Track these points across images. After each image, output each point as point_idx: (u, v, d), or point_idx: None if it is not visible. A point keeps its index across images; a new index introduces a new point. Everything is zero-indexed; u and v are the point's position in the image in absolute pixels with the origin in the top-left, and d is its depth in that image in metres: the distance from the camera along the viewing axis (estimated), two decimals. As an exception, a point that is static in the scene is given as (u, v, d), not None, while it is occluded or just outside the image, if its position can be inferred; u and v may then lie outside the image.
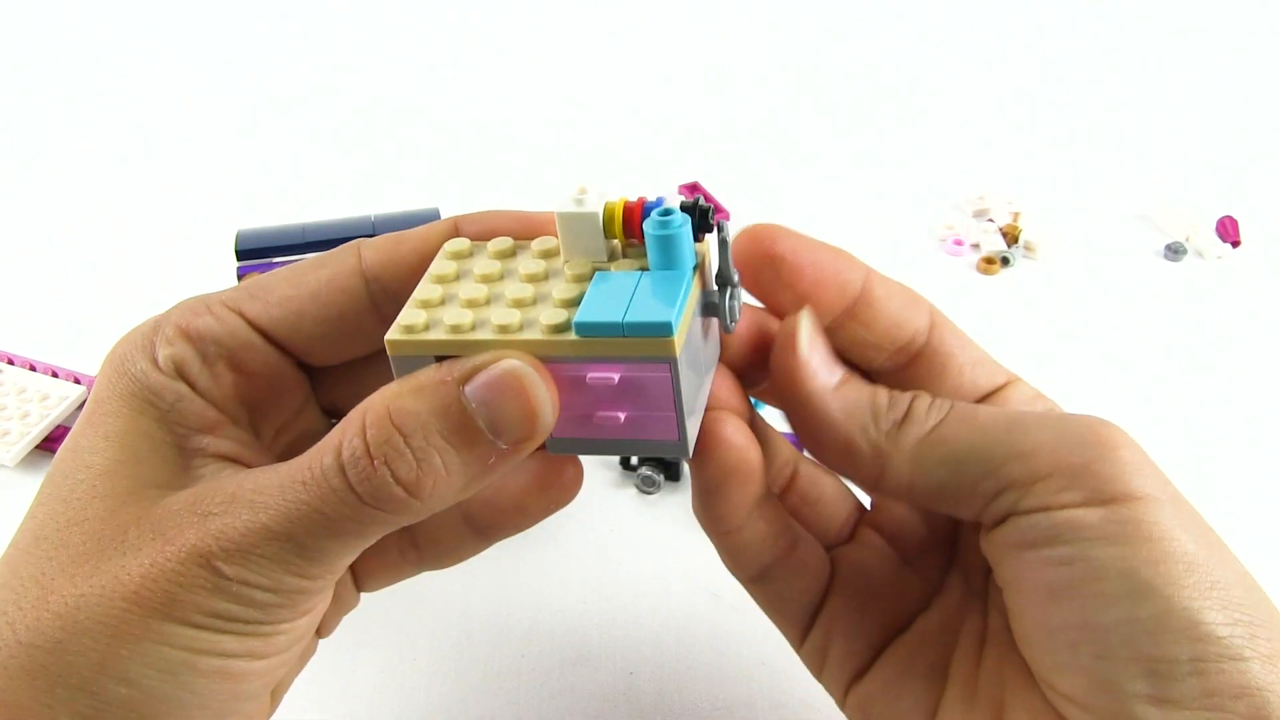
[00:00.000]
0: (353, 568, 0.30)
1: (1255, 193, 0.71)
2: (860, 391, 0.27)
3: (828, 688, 0.30)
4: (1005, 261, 0.63)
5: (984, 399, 0.28)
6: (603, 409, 0.24)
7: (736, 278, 0.25)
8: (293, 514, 0.23)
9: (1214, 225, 0.66)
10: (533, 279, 0.26)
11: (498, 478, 0.24)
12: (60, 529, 0.24)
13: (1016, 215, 0.66)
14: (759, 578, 0.30)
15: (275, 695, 0.27)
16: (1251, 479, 0.49)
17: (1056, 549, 0.23)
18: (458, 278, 0.26)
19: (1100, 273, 0.63)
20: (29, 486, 0.47)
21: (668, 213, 0.24)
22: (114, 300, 0.58)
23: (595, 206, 0.25)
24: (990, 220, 0.66)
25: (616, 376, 0.24)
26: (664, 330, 0.23)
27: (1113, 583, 0.22)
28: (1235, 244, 0.65)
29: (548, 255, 0.27)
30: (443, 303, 0.25)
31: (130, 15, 0.92)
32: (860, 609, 0.30)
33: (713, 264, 0.26)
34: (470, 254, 0.27)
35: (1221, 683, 0.21)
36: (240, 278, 0.47)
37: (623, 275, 0.25)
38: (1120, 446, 0.24)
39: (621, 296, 0.24)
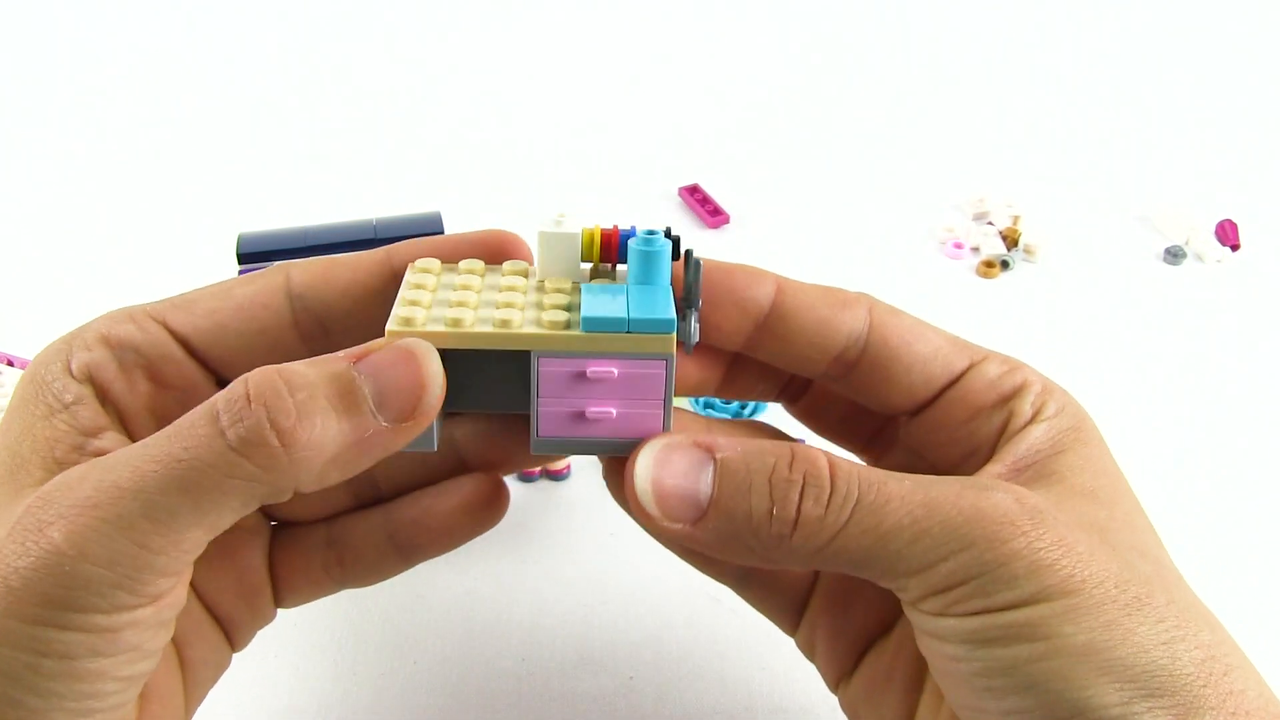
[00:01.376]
0: (273, 580, 0.30)
1: (1255, 196, 0.71)
2: (735, 504, 0.24)
3: (825, 682, 0.31)
4: (1005, 265, 0.63)
5: (942, 391, 0.28)
6: (596, 404, 0.26)
7: (699, 302, 0.27)
8: (145, 466, 0.22)
9: (1213, 229, 0.66)
10: (515, 289, 0.27)
11: (370, 461, 0.24)
12: None
13: (1016, 218, 0.66)
14: (739, 582, 0.31)
15: (162, 702, 0.27)
16: (1250, 482, 0.49)
17: (948, 646, 0.24)
18: (437, 289, 0.27)
19: (1100, 276, 0.63)
20: (30, 488, 0.47)
21: (652, 233, 0.27)
22: (115, 302, 0.58)
23: (574, 229, 0.28)
24: (990, 223, 0.66)
25: (616, 370, 0.25)
26: (667, 327, 0.25)
27: (1001, 679, 0.23)
28: (1235, 247, 0.65)
29: (521, 274, 0.28)
30: (431, 306, 0.26)
31: (133, 18, 0.91)
32: (841, 612, 0.30)
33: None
34: (441, 272, 0.28)
35: None
36: (241, 280, 0.47)
37: (609, 287, 0.27)
38: (1015, 536, 0.23)
39: (617, 301, 0.26)
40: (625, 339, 0.25)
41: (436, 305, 0.26)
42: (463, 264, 0.29)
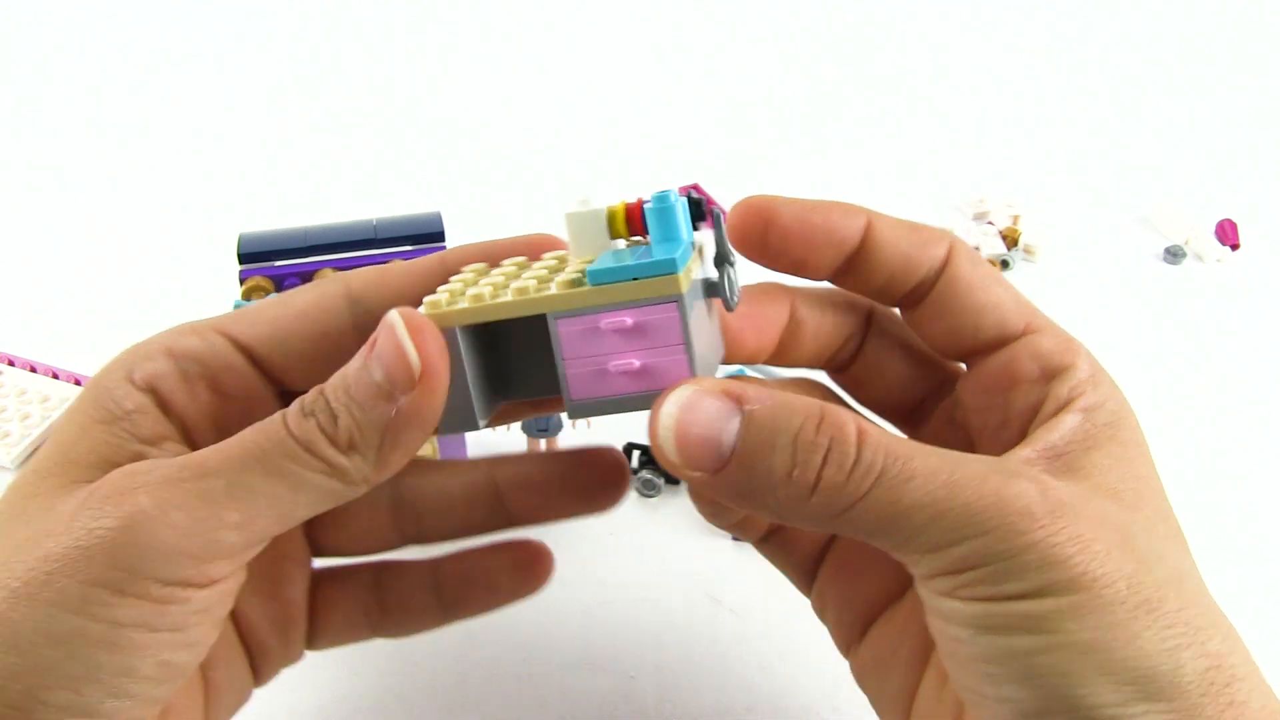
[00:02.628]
0: (310, 618, 0.31)
1: (1255, 196, 0.71)
2: (757, 459, 0.24)
3: (836, 646, 0.32)
4: (1005, 264, 0.63)
5: (992, 350, 0.28)
6: (618, 358, 0.26)
7: (734, 256, 0.27)
8: (229, 450, 0.24)
9: (1213, 228, 0.66)
10: (545, 269, 0.28)
11: (421, 435, 0.25)
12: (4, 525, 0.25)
13: (1016, 218, 0.66)
14: (762, 540, 0.32)
15: (257, 670, 0.29)
16: (1251, 482, 0.49)
17: (952, 628, 0.24)
18: (475, 281, 0.28)
19: (1099, 276, 0.63)
20: (30, 489, 0.47)
21: (664, 193, 0.27)
22: (115, 302, 0.58)
23: (599, 205, 0.27)
24: (990, 223, 0.66)
25: (630, 320, 0.25)
26: (669, 267, 0.25)
27: (1000, 666, 0.23)
28: (1235, 247, 0.65)
29: (556, 260, 0.28)
30: (464, 291, 0.27)
31: (133, 18, 0.91)
32: (851, 579, 0.31)
33: (710, 249, 0.28)
34: (485, 270, 0.29)
35: None
36: (242, 280, 0.47)
37: (632, 249, 0.27)
38: (1027, 531, 0.23)
39: (630, 256, 0.26)
40: (631, 287, 0.25)
41: (469, 289, 0.27)
42: (506, 260, 0.29)
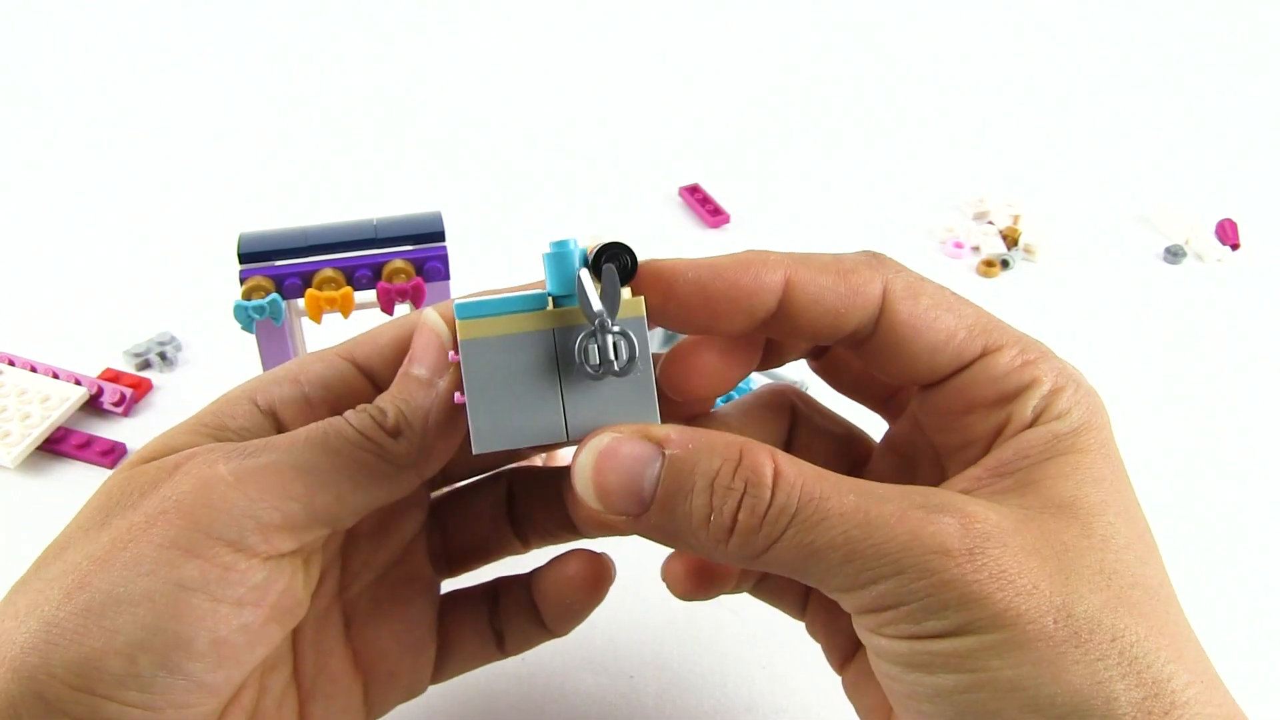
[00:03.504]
0: (439, 651, 0.32)
1: (1255, 196, 0.71)
2: (675, 504, 0.24)
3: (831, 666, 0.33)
4: (1005, 264, 0.63)
5: (949, 377, 0.27)
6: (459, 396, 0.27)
7: (610, 322, 0.25)
8: (298, 435, 0.26)
9: (1213, 228, 0.66)
10: None
11: (453, 428, 0.27)
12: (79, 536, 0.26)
13: (1016, 218, 0.66)
14: (753, 587, 0.33)
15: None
16: (1250, 481, 0.49)
17: (883, 664, 0.24)
18: None
19: (1100, 275, 0.63)
20: (30, 488, 0.47)
21: (563, 241, 0.26)
22: (115, 302, 0.58)
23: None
24: (990, 223, 0.66)
25: (451, 354, 0.27)
26: (458, 312, 0.26)
27: (927, 704, 0.23)
28: (1235, 247, 0.65)
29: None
30: None
31: (134, 18, 0.91)
32: (832, 609, 0.31)
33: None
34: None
35: None
36: (242, 280, 0.47)
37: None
38: (958, 564, 0.23)
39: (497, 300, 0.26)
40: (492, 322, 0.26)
41: None
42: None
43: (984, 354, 0.27)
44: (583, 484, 0.25)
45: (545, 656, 0.40)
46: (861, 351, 0.28)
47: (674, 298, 0.26)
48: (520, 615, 0.33)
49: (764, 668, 0.40)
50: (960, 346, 0.27)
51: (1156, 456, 0.50)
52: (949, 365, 0.27)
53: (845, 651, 0.31)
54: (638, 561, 0.44)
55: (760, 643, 0.40)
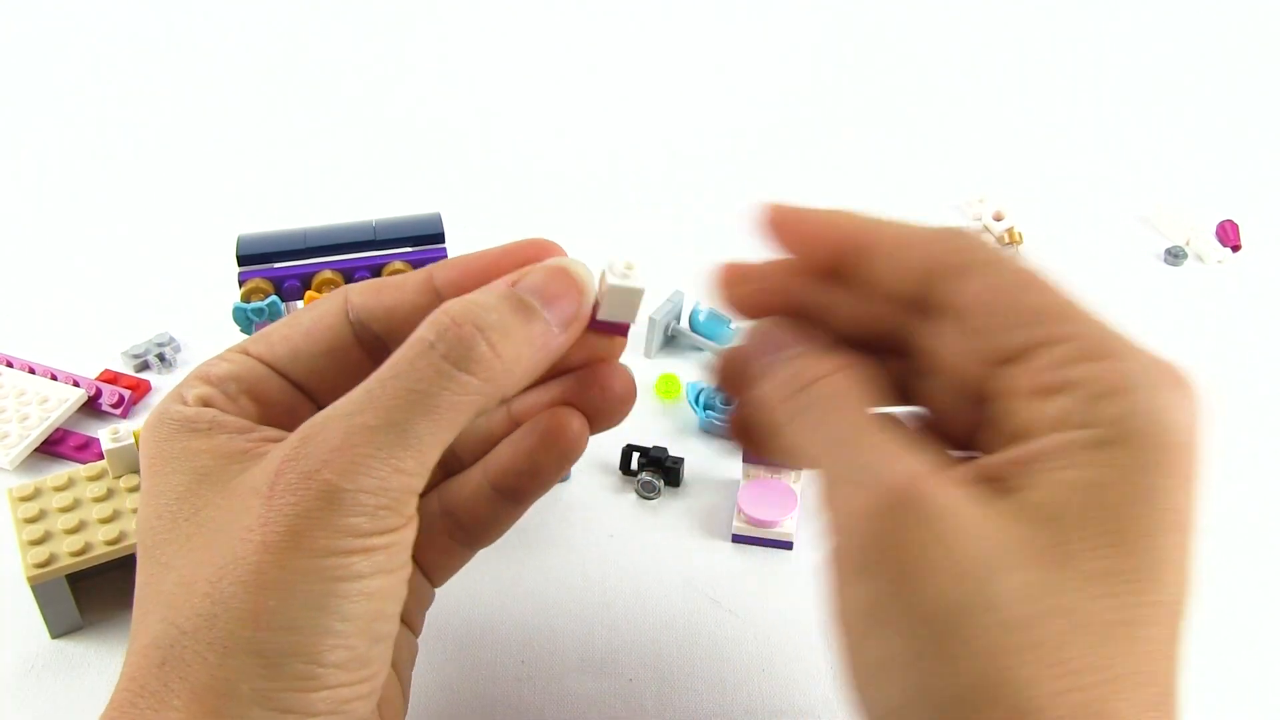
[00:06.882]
0: (417, 562, 0.31)
1: (1256, 197, 0.71)
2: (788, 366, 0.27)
3: None
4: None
5: (999, 363, 0.25)
6: None
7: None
8: (390, 403, 0.25)
9: (1214, 229, 0.66)
10: None
11: (548, 364, 0.28)
12: (182, 544, 0.25)
13: (1009, 230, 0.66)
14: None
15: (408, 624, 0.31)
16: (1250, 482, 0.49)
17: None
18: None
19: (1100, 276, 0.63)
20: (29, 490, 0.47)
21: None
22: (114, 304, 0.58)
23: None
24: (998, 219, 0.66)
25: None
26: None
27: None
28: (1236, 248, 0.65)
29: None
30: None
31: (133, 18, 0.91)
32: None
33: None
34: None
35: None
36: (241, 282, 0.47)
37: None
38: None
39: None
40: None
41: None
42: None
43: (1045, 342, 0.25)
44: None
45: (544, 657, 0.40)
46: (928, 323, 0.27)
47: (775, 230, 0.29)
48: (481, 501, 0.32)
49: (763, 670, 0.39)
50: (1014, 335, 0.25)
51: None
52: (1000, 351, 0.25)
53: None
54: (636, 564, 0.44)
55: (760, 645, 0.40)
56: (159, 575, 0.25)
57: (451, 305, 0.26)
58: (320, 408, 0.27)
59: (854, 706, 0.24)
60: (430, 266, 0.30)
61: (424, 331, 0.26)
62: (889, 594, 0.22)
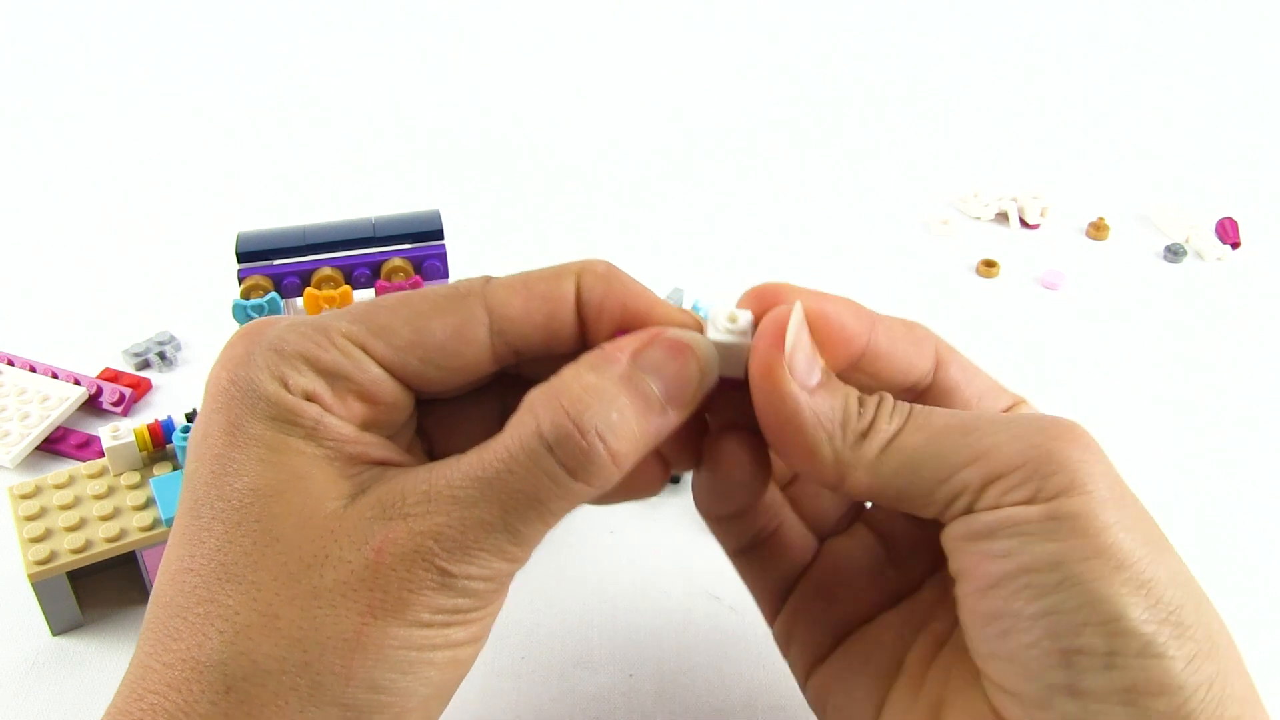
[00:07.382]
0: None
1: (1255, 194, 0.71)
2: (833, 398, 0.26)
3: (792, 669, 0.32)
4: (1005, 263, 0.63)
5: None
6: None
7: None
8: (507, 503, 0.24)
9: (1214, 226, 0.66)
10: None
11: (655, 445, 0.26)
12: (250, 555, 0.24)
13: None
14: (741, 551, 0.32)
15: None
16: (1250, 480, 0.49)
17: (996, 543, 0.24)
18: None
19: (1100, 275, 0.63)
20: (29, 488, 0.47)
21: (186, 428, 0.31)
22: (114, 302, 0.58)
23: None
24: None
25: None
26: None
27: (1043, 575, 0.23)
28: (1235, 245, 0.65)
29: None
30: None
31: (133, 17, 0.92)
32: (827, 598, 0.31)
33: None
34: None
35: (1139, 679, 0.22)
36: (241, 280, 0.47)
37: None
38: (1072, 444, 0.24)
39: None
40: None
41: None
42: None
43: (1010, 407, 0.29)
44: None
45: (544, 655, 0.40)
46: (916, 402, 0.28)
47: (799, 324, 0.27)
48: None
49: (763, 666, 0.39)
50: (996, 398, 0.29)
51: (1156, 455, 0.50)
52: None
53: (820, 651, 0.31)
54: (637, 559, 0.44)
55: (759, 640, 0.40)
56: (218, 578, 0.24)
57: (568, 392, 0.25)
58: (423, 417, 0.27)
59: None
60: (586, 280, 0.28)
61: (543, 425, 0.24)
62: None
